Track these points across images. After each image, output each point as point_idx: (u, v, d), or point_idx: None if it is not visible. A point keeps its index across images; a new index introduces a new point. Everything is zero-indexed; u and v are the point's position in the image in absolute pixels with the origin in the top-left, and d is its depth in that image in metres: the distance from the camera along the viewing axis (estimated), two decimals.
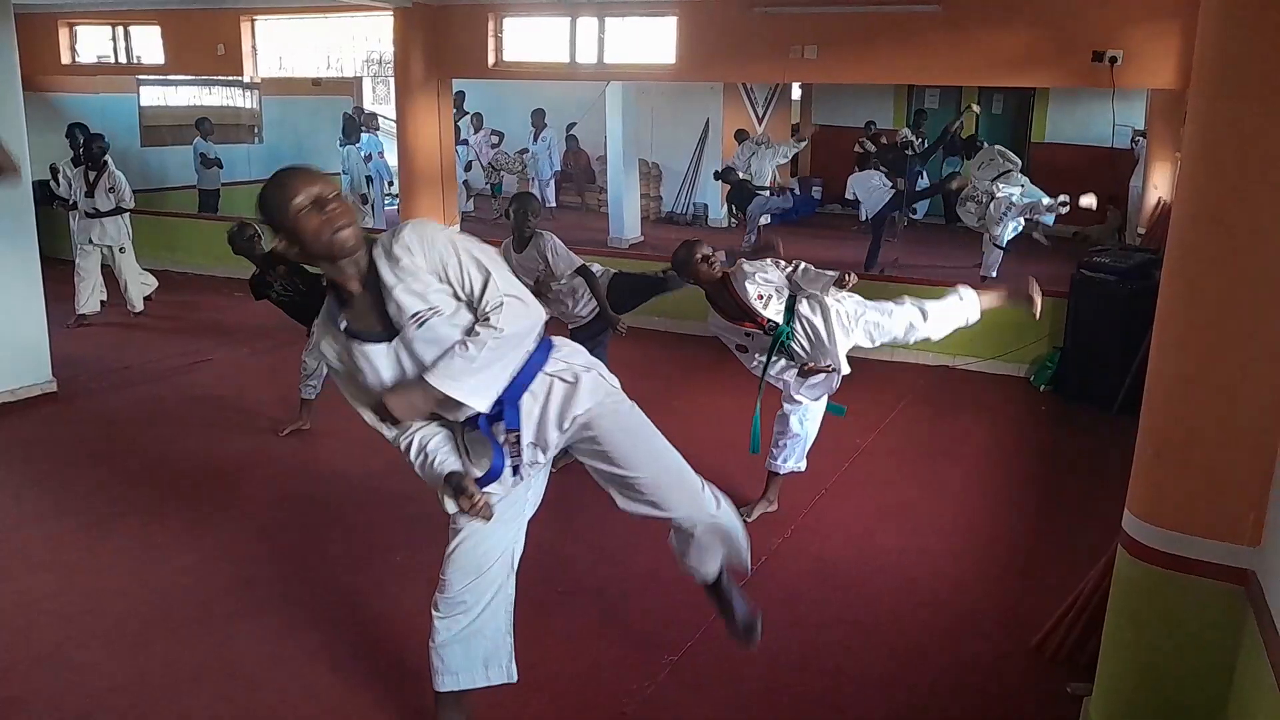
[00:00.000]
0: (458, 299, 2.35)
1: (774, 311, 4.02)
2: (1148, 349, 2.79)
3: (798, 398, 4.29)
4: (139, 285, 8.49)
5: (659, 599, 3.74)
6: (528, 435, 2.56)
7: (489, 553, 2.72)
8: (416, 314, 2.30)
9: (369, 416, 2.48)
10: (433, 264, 2.32)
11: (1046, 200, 8.74)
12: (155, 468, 4.98)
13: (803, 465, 4.48)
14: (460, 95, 12.67)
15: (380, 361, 2.36)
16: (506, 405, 2.49)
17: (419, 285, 2.30)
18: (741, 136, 11.87)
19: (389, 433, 2.49)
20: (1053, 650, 3.39)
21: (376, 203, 12.06)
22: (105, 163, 8.03)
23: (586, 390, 2.62)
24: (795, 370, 4.18)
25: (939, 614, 3.71)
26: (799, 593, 3.83)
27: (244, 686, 3.14)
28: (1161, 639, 2.66)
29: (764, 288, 4.00)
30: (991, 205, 8.93)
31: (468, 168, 12.83)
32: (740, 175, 10.86)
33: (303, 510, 4.51)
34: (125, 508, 4.47)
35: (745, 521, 3.16)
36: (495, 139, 13.27)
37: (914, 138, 11.41)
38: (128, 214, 8.12)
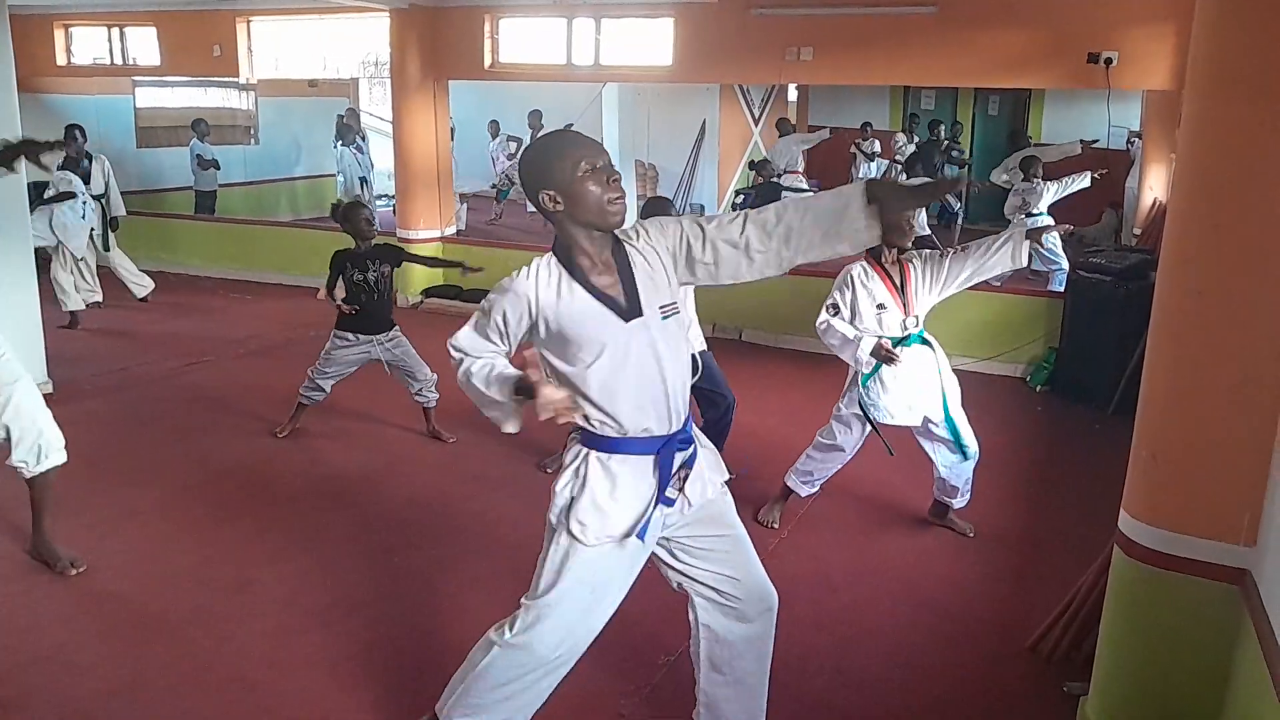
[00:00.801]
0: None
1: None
2: (1143, 349, 2.81)
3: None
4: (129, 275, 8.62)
5: (656, 599, 3.73)
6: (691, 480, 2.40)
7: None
8: (665, 305, 2.29)
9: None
10: (670, 265, 2.32)
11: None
12: (152, 469, 4.98)
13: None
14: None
15: (615, 333, 2.26)
16: (669, 445, 2.36)
17: (662, 279, 2.30)
18: (785, 128, 11.61)
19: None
20: (1048, 650, 3.40)
21: (370, 204, 12.06)
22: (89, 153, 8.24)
23: (719, 465, 2.53)
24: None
25: (935, 614, 3.72)
26: (795, 593, 3.83)
27: (243, 688, 3.14)
28: (1157, 638, 2.67)
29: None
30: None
31: None
32: (778, 169, 10.56)
33: (301, 512, 4.51)
34: (122, 509, 4.47)
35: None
36: (512, 146, 13.11)
37: (908, 144, 11.49)
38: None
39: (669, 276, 2.32)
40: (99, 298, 8.46)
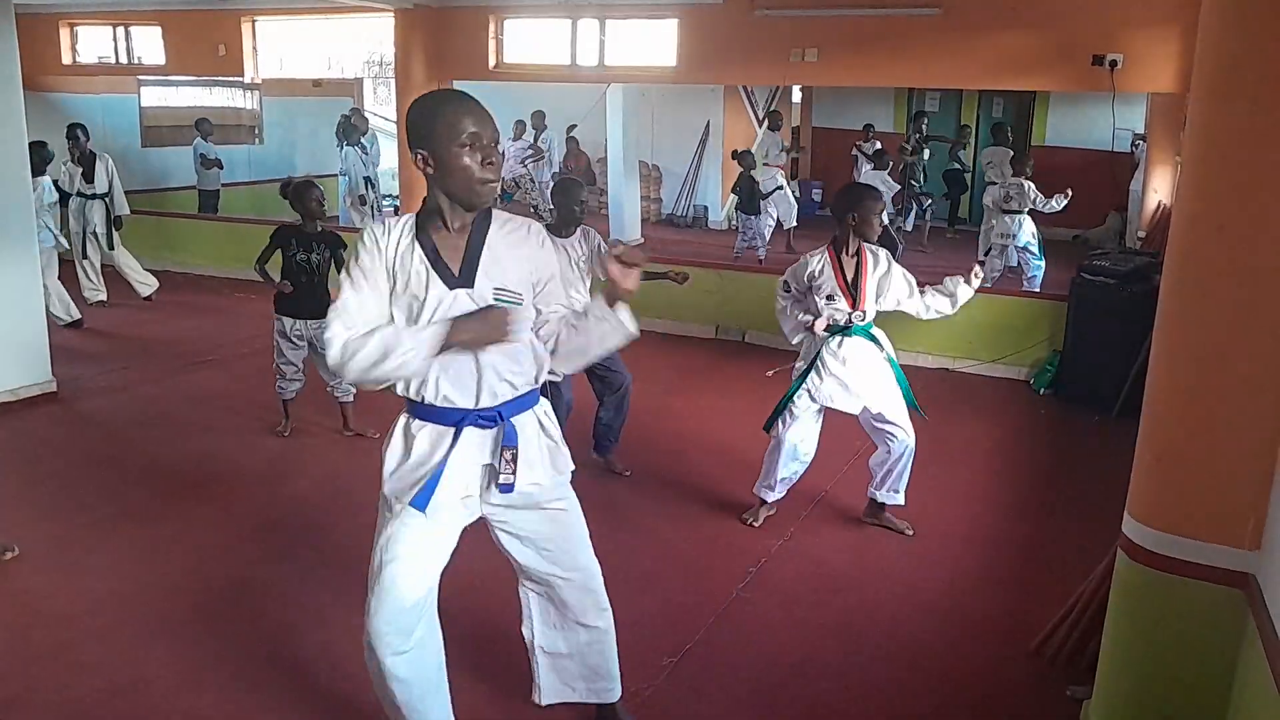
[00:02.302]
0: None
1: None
2: (1148, 352, 2.80)
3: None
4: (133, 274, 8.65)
5: (657, 602, 3.74)
6: (522, 461, 2.43)
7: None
8: (505, 291, 2.31)
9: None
10: (535, 260, 2.38)
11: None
12: (155, 468, 4.98)
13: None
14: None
15: (438, 295, 2.29)
16: (508, 419, 2.41)
17: (522, 271, 2.35)
18: (775, 122, 11.56)
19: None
20: (1052, 653, 3.39)
21: (376, 204, 12.05)
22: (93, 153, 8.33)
23: (564, 460, 2.57)
24: None
25: (938, 617, 3.71)
26: (797, 595, 3.83)
27: (244, 687, 3.14)
28: (1161, 642, 2.66)
29: None
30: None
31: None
32: (753, 162, 10.56)
33: (301, 510, 4.51)
34: (125, 508, 4.47)
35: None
36: (532, 151, 13.05)
37: (907, 145, 11.54)
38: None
39: (533, 274, 2.36)
40: (104, 296, 8.48)
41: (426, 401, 2.36)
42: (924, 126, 12.07)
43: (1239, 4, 2.40)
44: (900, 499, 4.40)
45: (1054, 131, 13.52)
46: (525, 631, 2.85)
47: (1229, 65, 2.42)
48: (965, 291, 4.18)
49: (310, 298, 5.15)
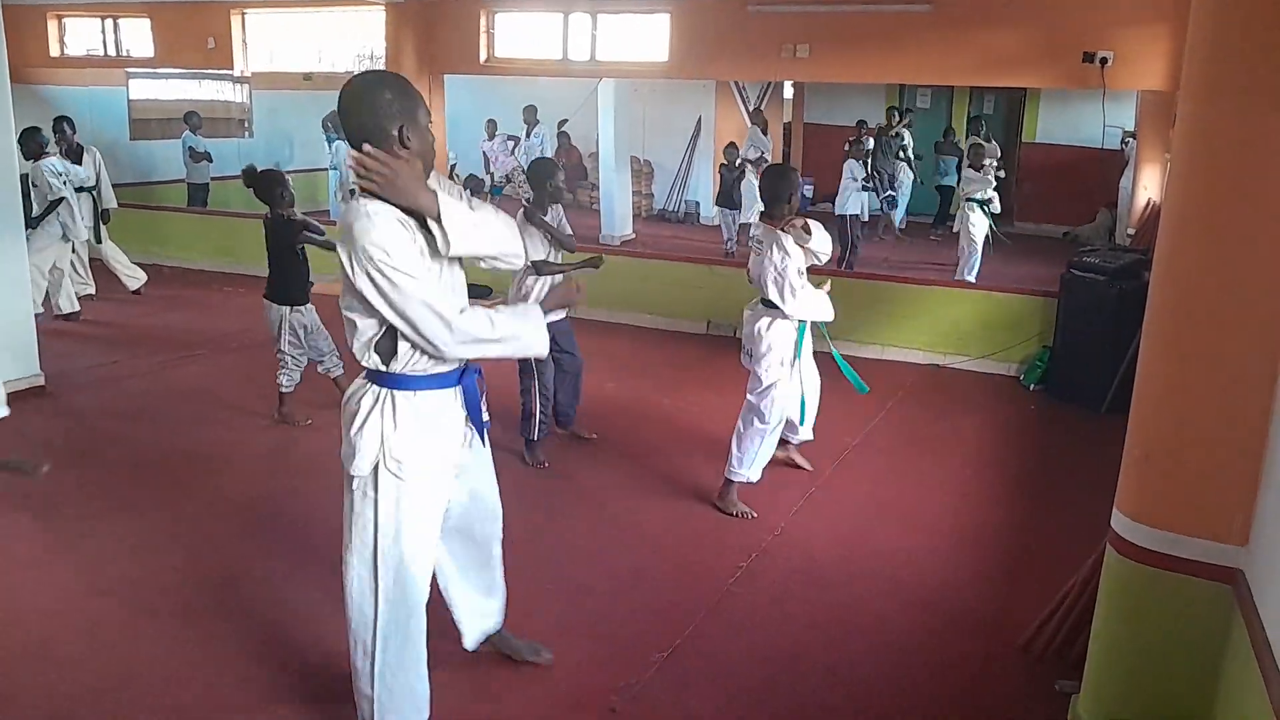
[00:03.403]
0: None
1: None
2: (1137, 349, 2.81)
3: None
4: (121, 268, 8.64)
5: (648, 597, 3.74)
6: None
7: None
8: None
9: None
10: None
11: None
12: (142, 463, 4.95)
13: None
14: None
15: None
16: (468, 375, 2.59)
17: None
18: (758, 119, 11.68)
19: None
20: (1040, 648, 3.40)
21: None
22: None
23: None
24: None
25: (927, 612, 3.72)
26: (788, 591, 3.84)
27: (231, 682, 3.13)
28: (1149, 637, 2.67)
29: None
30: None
31: None
32: (737, 158, 10.59)
33: (290, 506, 4.49)
34: (112, 503, 4.45)
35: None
36: (511, 144, 12.99)
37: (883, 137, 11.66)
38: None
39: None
40: (92, 290, 8.43)
41: (431, 371, 2.45)
42: (894, 119, 12.20)
43: (1229, 2, 2.40)
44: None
45: (1044, 128, 13.57)
46: (444, 585, 2.98)
47: (1219, 63, 2.42)
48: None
49: (304, 284, 5.37)
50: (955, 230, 9.40)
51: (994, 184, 8.88)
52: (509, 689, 3.13)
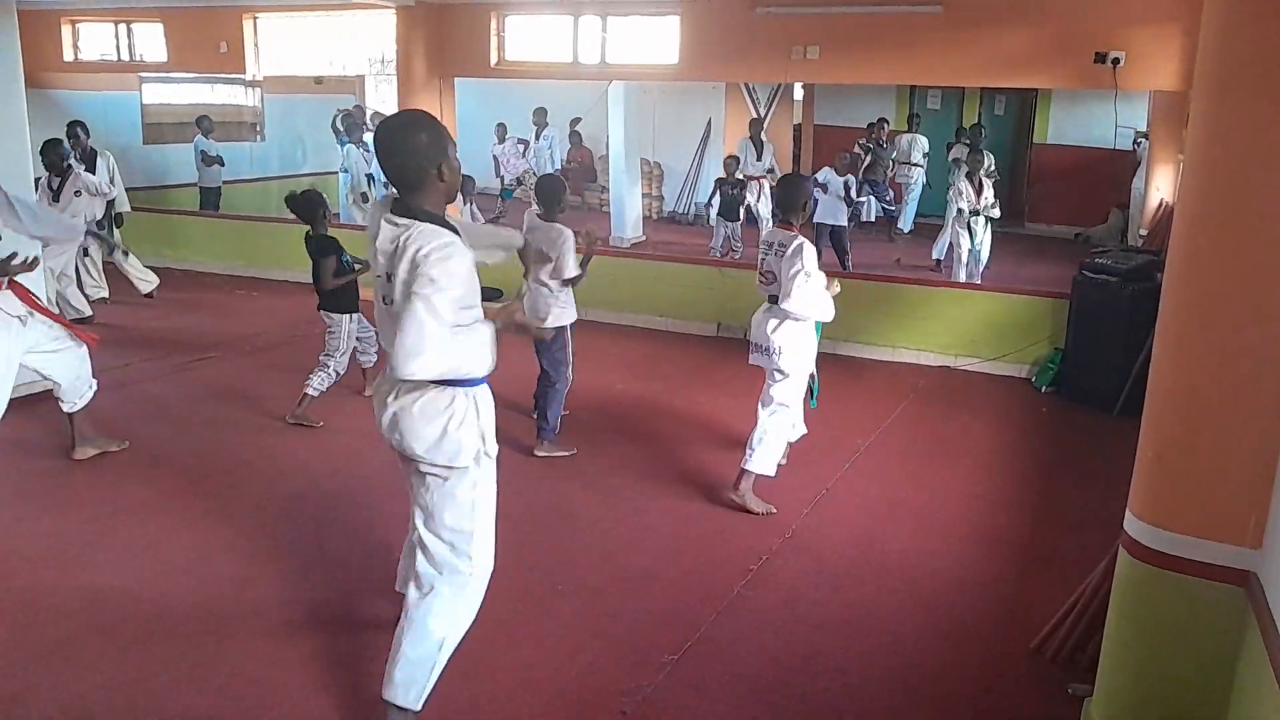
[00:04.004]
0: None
1: None
2: (1149, 351, 2.80)
3: None
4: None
5: (658, 599, 3.74)
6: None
7: None
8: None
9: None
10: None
11: None
12: (156, 465, 4.98)
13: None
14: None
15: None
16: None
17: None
18: (754, 129, 11.61)
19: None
20: (1053, 651, 3.39)
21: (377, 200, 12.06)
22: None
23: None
24: None
25: (939, 614, 3.71)
26: (799, 592, 3.83)
27: (244, 684, 3.14)
28: (1162, 640, 2.66)
29: None
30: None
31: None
32: (734, 170, 10.49)
33: (303, 508, 4.51)
34: (126, 504, 4.47)
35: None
36: (521, 147, 12.94)
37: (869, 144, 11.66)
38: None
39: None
40: (105, 293, 8.48)
41: (482, 375, 2.71)
42: (883, 127, 12.26)
43: (1241, 2, 2.39)
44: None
45: (1056, 129, 13.50)
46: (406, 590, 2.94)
47: (1232, 63, 2.41)
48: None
49: (356, 292, 5.64)
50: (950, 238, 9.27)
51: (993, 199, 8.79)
52: (519, 691, 3.14)
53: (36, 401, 5.87)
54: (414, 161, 2.57)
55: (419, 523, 2.83)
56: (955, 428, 5.86)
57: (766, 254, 4.46)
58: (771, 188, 9.44)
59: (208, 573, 3.87)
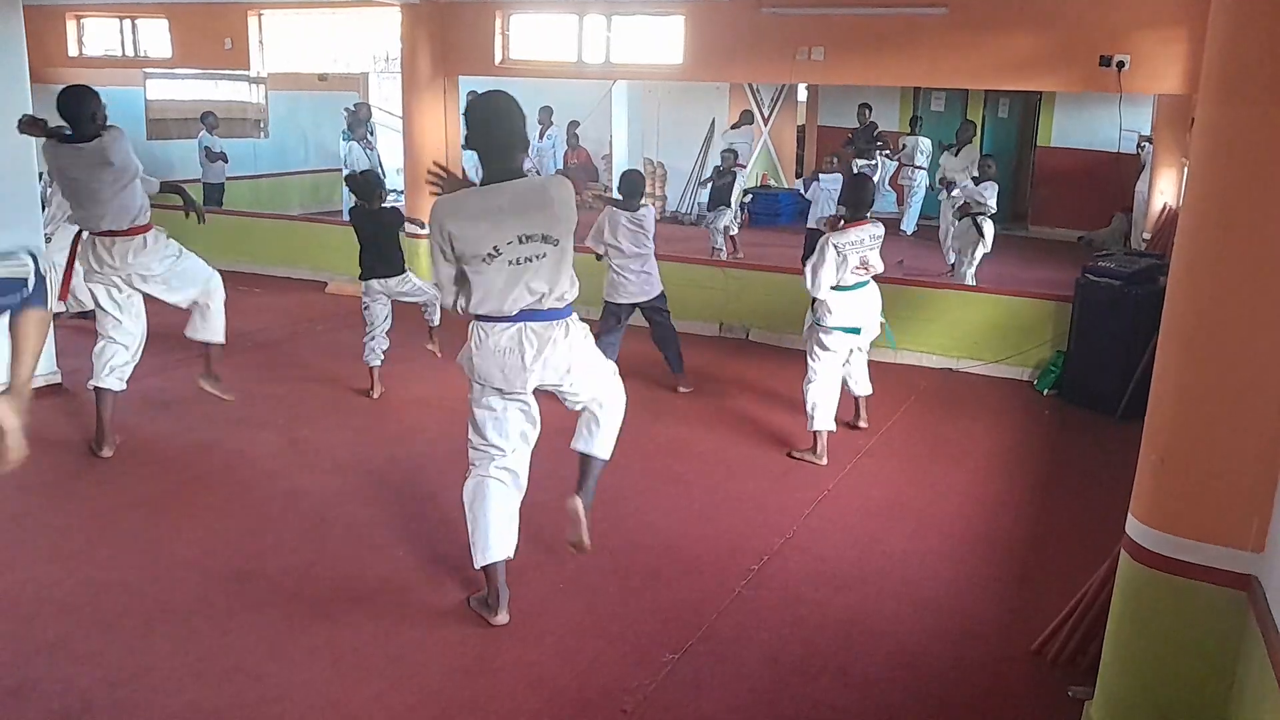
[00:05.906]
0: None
1: None
2: (1152, 354, 2.80)
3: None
4: None
5: (659, 598, 3.75)
6: None
7: None
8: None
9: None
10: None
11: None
12: (159, 460, 4.99)
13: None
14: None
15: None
16: None
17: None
18: (745, 119, 11.64)
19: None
20: (1054, 654, 3.39)
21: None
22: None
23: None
24: None
25: (940, 616, 3.71)
26: (800, 594, 3.83)
27: (246, 679, 3.15)
28: (1164, 643, 2.66)
29: None
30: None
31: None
32: (728, 163, 10.57)
33: (306, 504, 4.51)
34: (129, 499, 4.48)
35: None
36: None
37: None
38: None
39: None
40: None
41: None
42: (871, 126, 12.31)
43: (1248, 5, 2.39)
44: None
45: (1060, 132, 13.49)
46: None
47: (1238, 67, 2.41)
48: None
49: (402, 257, 6.05)
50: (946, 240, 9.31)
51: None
52: (519, 689, 3.14)
53: (41, 396, 5.88)
54: (522, 129, 3.26)
55: (588, 402, 3.51)
56: (957, 430, 5.85)
57: (862, 249, 5.07)
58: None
59: (210, 566, 3.87)
